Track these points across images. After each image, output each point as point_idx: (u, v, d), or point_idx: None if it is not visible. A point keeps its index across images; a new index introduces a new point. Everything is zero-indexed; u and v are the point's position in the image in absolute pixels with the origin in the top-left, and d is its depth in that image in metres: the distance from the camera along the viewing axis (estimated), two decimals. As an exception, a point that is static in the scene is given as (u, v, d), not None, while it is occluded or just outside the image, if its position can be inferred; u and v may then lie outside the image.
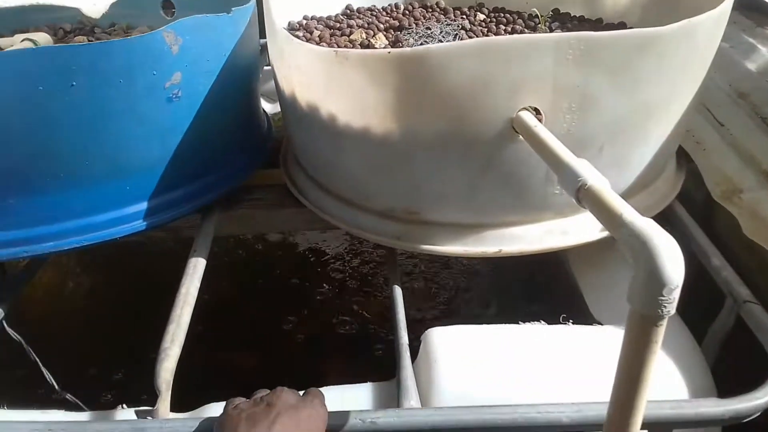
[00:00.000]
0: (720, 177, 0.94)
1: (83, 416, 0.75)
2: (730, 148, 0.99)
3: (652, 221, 0.46)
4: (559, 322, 0.78)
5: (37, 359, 0.85)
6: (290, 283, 1.56)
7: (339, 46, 1.03)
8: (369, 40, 1.05)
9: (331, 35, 1.09)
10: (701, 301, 0.78)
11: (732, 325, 0.77)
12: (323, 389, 0.63)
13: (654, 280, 0.42)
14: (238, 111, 1.03)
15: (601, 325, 0.80)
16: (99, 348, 1.31)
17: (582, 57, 0.70)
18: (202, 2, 1.12)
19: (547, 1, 1.19)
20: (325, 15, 1.20)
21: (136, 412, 0.67)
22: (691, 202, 0.97)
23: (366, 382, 0.78)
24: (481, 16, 1.18)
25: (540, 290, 1.30)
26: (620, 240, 0.47)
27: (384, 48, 1.04)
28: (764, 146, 0.95)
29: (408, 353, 0.75)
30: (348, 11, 1.23)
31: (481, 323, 0.78)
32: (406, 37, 1.05)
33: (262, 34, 1.01)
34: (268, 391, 0.59)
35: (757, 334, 0.72)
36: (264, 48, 1.09)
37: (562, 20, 1.14)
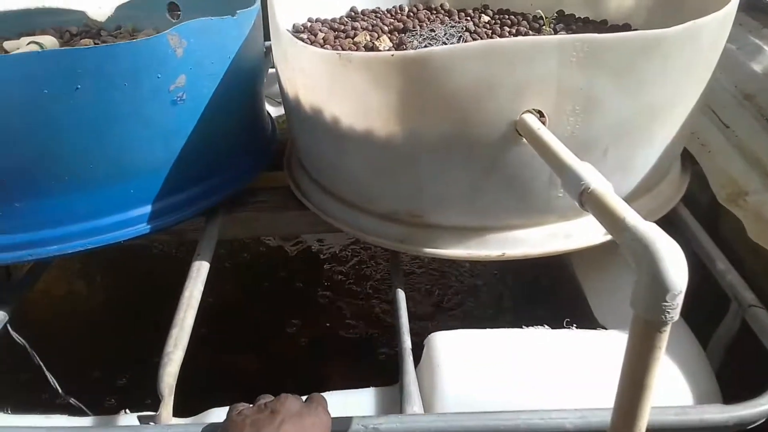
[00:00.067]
0: (725, 179, 0.93)
1: (86, 421, 0.75)
2: (735, 150, 0.98)
3: (655, 225, 0.45)
4: (562, 326, 0.78)
5: (41, 363, 0.86)
6: (293, 286, 1.56)
7: (343, 48, 1.03)
8: (373, 42, 1.05)
9: (336, 37, 1.09)
10: (706, 305, 0.77)
11: (737, 329, 0.76)
12: (326, 394, 0.63)
13: (657, 286, 0.42)
14: (243, 114, 1.03)
15: (606, 329, 0.80)
16: (103, 351, 1.31)
17: (586, 59, 0.70)
18: (208, 4, 1.13)
19: (552, 2, 1.19)
20: (329, 17, 1.20)
21: (139, 418, 0.67)
22: (696, 205, 0.96)
23: (369, 386, 0.77)
24: (486, 18, 1.18)
25: (544, 294, 1.30)
26: (623, 244, 0.47)
27: (388, 50, 1.04)
28: (770, 148, 0.94)
29: (411, 358, 0.75)
30: (352, 13, 1.23)
31: (485, 327, 0.77)
32: (410, 39, 1.05)
33: (267, 37, 1.01)
34: (272, 396, 0.59)
35: (762, 338, 0.72)
36: (269, 50, 1.09)
37: (567, 22, 1.14)
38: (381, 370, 1.24)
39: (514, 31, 1.10)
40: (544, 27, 1.10)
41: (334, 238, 1.68)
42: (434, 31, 1.07)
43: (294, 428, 0.54)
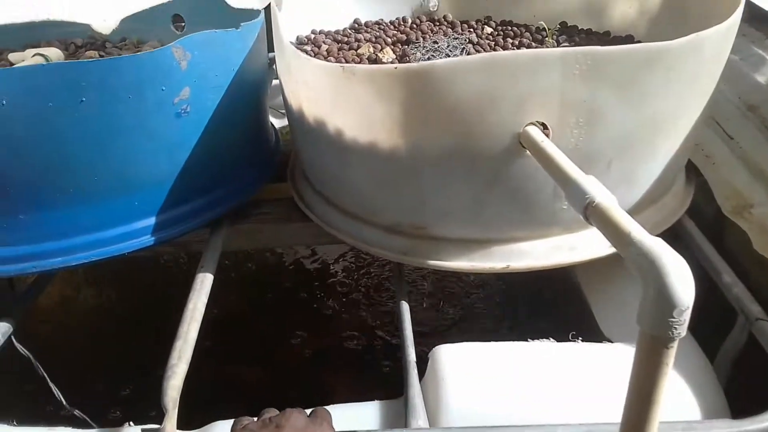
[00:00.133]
0: (730, 191, 0.93)
1: (89, 434, 0.75)
2: (739, 161, 0.98)
3: (660, 240, 0.45)
4: (568, 339, 0.77)
5: (45, 375, 0.85)
6: (298, 297, 1.56)
7: (347, 60, 1.03)
8: (376, 54, 1.06)
9: (339, 49, 1.09)
10: (712, 318, 0.77)
11: (744, 342, 0.76)
12: (330, 407, 0.63)
13: (664, 302, 0.41)
14: (247, 126, 1.03)
15: (611, 342, 0.80)
16: (107, 363, 1.31)
17: (589, 72, 0.70)
18: (212, 17, 1.14)
19: (555, 14, 1.19)
20: (333, 29, 1.21)
21: (143, 431, 0.67)
22: (701, 217, 0.96)
23: (373, 398, 0.77)
24: (489, 30, 1.18)
25: (549, 306, 1.29)
26: (628, 259, 0.47)
27: (391, 62, 1.04)
28: (775, 160, 0.94)
29: (415, 371, 0.75)
30: (356, 25, 1.24)
31: (489, 340, 0.77)
32: (413, 51, 1.05)
33: (271, 48, 1.01)
34: (276, 410, 0.58)
35: (770, 352, 0.71)
36: (272, 61, 1.10)
37: (570, 33, 1.14)
38: (385, 382, 1.23)
39: (517, 42, 1.10)
40: (547, 39, 1.10)
41: (337, 249, 1.68)
42: (437, 43, 1.07)
43: None
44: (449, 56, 1.02)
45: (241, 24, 0.92)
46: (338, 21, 1.23)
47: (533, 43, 1.10)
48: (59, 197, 0.83)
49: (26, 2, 1.11)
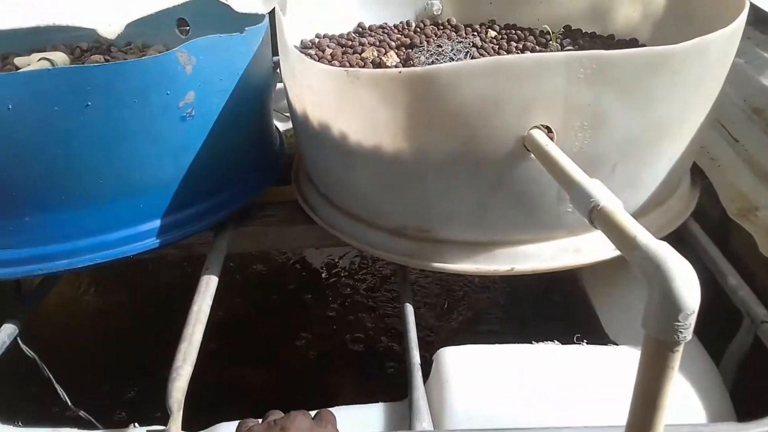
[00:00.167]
0: (735, 194, 0.93)
1: (95, 435, 0.75)
2: (745, 164, 0.98)
3: (666, 244, 0.45)
4: (573, 342, 0.77)
5: (51, 376, 0.86)
6: (302, 299, 1.56)
7: (351, 64, 1.04)
8: (380, 58, 1.06)
9: (343, 53, 1.10)
10: (718, 321, 0.77)
11: (749, 345, 0.76)
12: (335, 409, 0.63)
13: (669, 306, 0.41)
14: (251, 129, 1.04)
15: (617, 345, 0.79)
16: (112, 364, 1.31)
17: (594, 75, 0.70)
18: (216, 21, 1.14)
19: (559, 17, 1.19)
20: (337, 33, 1.21)
21: (148, 432, 0.67)
22: (707, 219, 0.96)
23: (378, 400, 0.77)
24: (492, 33, 1.18)
25: (554, 309, 1.29)
26: (633, 263, 0.47)
27: (395, 65, 1.04)
28: (780, 162, 0.94)
29: (420, 373, 0.75)
30: (360, 29, 1.24)
31: (494, 343, 0.77)
32: (417, 55, 1.06)
33: (275, 51, 1.02)
34: (281, 413, 0.59)
35: (776, 355, 0.71)
36: (277, 65, 1.10)
37: (574, 37, 1.14)
38: (390, 384, 1.23)
39: (520, 46, 1.10)
40: (551, 42, 1.10)
41: (342, 252, 1.68)
42: (441, 47, 1.07)
43: None
44: (453, 60, 1.03)
45: (246, 28, 0.92)
46: (342, 25, 1.23)
47: (537, 47, 1.10)
48: (64, 200, 0.83)
49: (32, 8, 1.12)
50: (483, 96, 0.72)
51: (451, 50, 1.06)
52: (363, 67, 1.04)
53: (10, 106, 0.75)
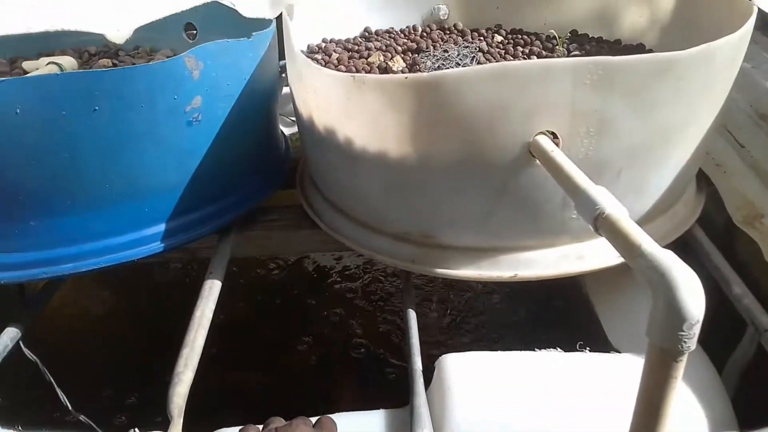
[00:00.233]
0: (741, 201, 0.92)
1: (95, 439, 0.76)
2: (751, 170, 0.97)
3: (671, 253, 0.45)
4: (576, 349, 0.77)
5: (52, 380, 0.86)
6: (305, 303, 1.56)
7: (357, 69, 1.04)
8: (386, 63, 1.06)
9: (350, 58, 1.10)
10: (721, 328, 0.76)
11: (753, 353, 0.75)
12: (336, 416, 0.63)
13: (674, 315, 0.41)
14: (257, 134, 1.04)
15: (619, 352, 0.79)
16: (114, 369, 1.31)
17: (600, 81, 0.70)
18: (224, 25, 1.15)
19: (565, 22, 1.19)
20: (343, 38, 1.22)
21: (147, 437, 0.67)
22: (712, 226, 0.95)
23: (379, 407, 0.77)
24: (499, 38, 1.18)
25: (557, 315, 1.29)
26: (638, 271, 0.47)
27: (401, 70, 1.05)
28: (787, 169, 0.93)
29: (421, 380, 0.75)
30: (366, 34, 1.24)
31: (497, 349, 0.77)
32: (423, 60, 1.06)
33: (282, 55, 1.02)
34: (282, 420, 0.59)
35: (780, 364, 0.71)
36: (283, 69, 1.10)
37: (580, 42, 1.14)
38: (391, 390, 1.23)
39: (527, 51, 1.10)
40: (557, 47, 1.10)
41: (346, 256, 1.68)
42: (447, 52, 1.07)
43: None
44: (459, 65, 1.03)
45: (253, 33, 0.93)
46: (349, 29, 1.24)
47: (543, 52, 1.09)
48: (70, 204, 0.83)
49: (41, 13, 1.12)
50: (489, 102, 0.72)
51: (458, 55, 1.06)
52: (369, 71, 1.04)
53: (18, 110, 0.75)
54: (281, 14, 1.01)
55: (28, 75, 1.04)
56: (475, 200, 0.79)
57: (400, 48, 1.14)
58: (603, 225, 0.54)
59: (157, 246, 0.90)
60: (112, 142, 0.82)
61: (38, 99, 0.76)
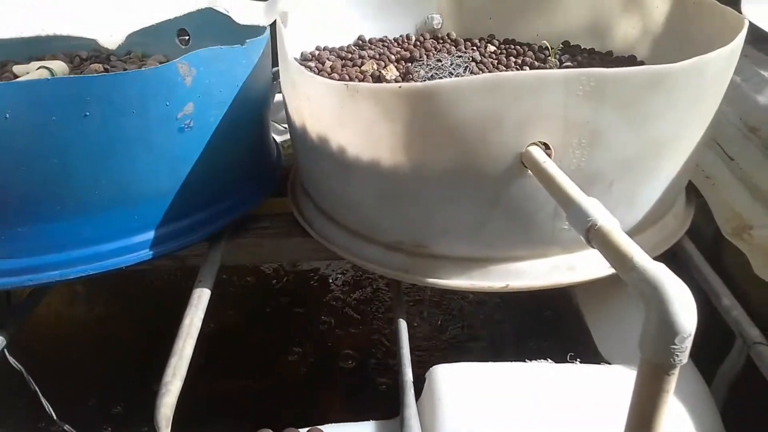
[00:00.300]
0: (730, 213, 0.93)
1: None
2: (740, 183, 0.98)
3: (663, 266, 0.45)
4: (566, 360, 0.77)
5: (37, 389, 0.85)
6: (294, 313, 1.55)
7: (350, 77, 1.04)
8: (380, 71, 1.06)
9: (343, 66, 1.10)
10: (710, 340, 0.76)
11: (742, 366, 0.75)
12: (326, 427, 0.62)
13: (666, 329, 0.41)
14: (249, 141, 1.04)
15: (610, 364, 0.79)
16: (100, 378, 1.30)
17: (592, 93, 0.70)
18: (217, 31, 1.14)
19: (558, 33, 1.20)
20: (337, 45, 1.22)
21: (136, 447, 0.66)
22: (700, 237, 0.96)
23: (369, 418, 0.76)
24: (492, 48, 1.19)
25: (548, 326, 1.29)
26: (630, 283, 0.47)
27: (395, 79, 1.05)
28: (775, 181, 0.94)
29: (412, 391, 0.74)
30: (360, 42, 1.24)
31: (488, 360, 0.77)
32: (416, 69, 1.06)
33: (275, 62, 1.02)
34: (271, 431, 0.58)
35: (768, 376, 0.71)
36: (276, 76, 1.10)
37: (572, 53, 1.14)
38: (381, 400, 1.23)
39: (519, 61, 1.11)
40: (549, 57, 1.11)
41: (337, 265, 1.68)
42: (441, 61, 1.08)
43: None
44: (452, 74, 1.03)
45: (247, 40, 0.92)
46: (342, 37, 1.24)
47: (536, 62, 1.10)
48: (59, 210, 0.82)
49: (34, 18, 1.12)
50: (482, 112, 0.72)
51: (451, 65, 1.06)
52: (362, 80, 1.04)
53: (8, 115, 0.75)
54: (275, 21, 1.01)
55: (18, 79, 1.04)
56: (468, 210, 0.79)
57: (393, 57, 1.14)
58: (595, 237, 0.54)
59: (146, 253, 0.89)
60: (103, 148, 0.81)
61: (28, 104, 0.76)
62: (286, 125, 1.35)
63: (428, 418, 0.71)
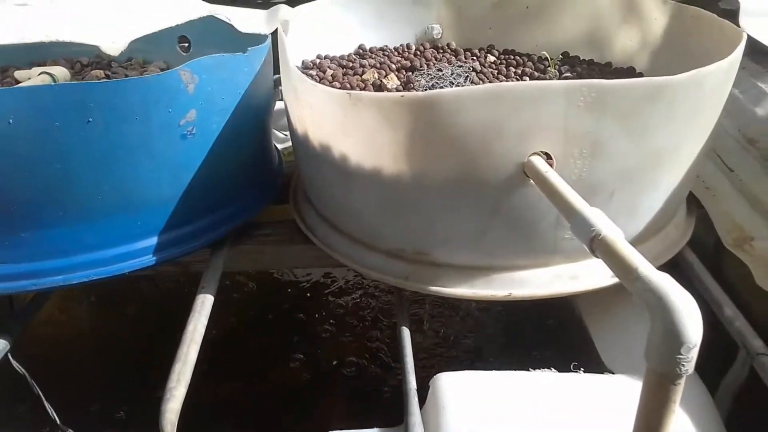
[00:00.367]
0: (731, 224, 0.93)
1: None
2: (740, 194, 0.99)
3: (668, 276, 0.45)
4: (570, 370, 0.77)
5: (41, 394, 0.85)
6: (297, 319, 1.55)
7: (351, 86, 1.04)
8: (381, 80, 1.07)
9: (344, 74, 1.11)
10: (713, 351, 0.77)
11: (745, 377, 0.76)
12: (330, 435, 0.62)
13: (671, 338, 0.42)
14: (251, 147, 1.04)
15: (613, 373, 0.79)
16: (103, 383, 1.30)
17: (593, 104, 0.71)
18: (218, 39, 1.15)
19: (557, 44, 1.21)
20: (338, 54, 1.22)
21: (139, 454, 0.66)
22: (702, 248, 0.96)
23: (372, 425, 0.76)
24: (492, 58, 1.20)
25: (551, 335, 1.29)
26: (635, 293, 0.47)
27: (395, 88, 1.05)
28: (774, 193, 0.95)
29: (416, 398, 0.74)
30: (360, 51, 1.25)
31: (491, 368, 0.77)
32: (417, 78, 1.06)
33: (276, 70, 1.02)
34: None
35: (772, 387, 0.71)
36: (277, 82, 1.11)
37: (572, 63, 1.15)
38: (383, 408, 1.22)
39: (519, 71, 1.11)
40: (549, 68, 1.12)
41: (339, 272, 1.68)
42: (442, 71, 1.08)
43: None
44: (453, 84, 1.04)
45: (249, 48, 0.93)
46: (343, 46, 1.24)
47: (536, 73, 1.11)
48: (62, 216, 0.82)
49: (36, 24, 1.12)
50: (484, 121, 0.72)
51: (451, 74, 1.07)
52: (363, 88, 1.04)
53: (11, 121, 0.75)
54: (276, 30, 1.01)
55: (20, 85, 1.04)
56: (469, 219, 0.80)
57: (394, 66, 1.15)
58: (599, 247, 0.55)
59: (149, 259, 0.89)
60: (106, 154, 0.81)
61: (32, 109, 0.76)
62: (286, 133, 1.35)
63: (432, 425, 0.71)
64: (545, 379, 0.75)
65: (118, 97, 0.79)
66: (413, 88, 1.03)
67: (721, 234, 0.92)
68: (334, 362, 1.38)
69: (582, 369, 0.76)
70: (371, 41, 1.27)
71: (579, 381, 0.75)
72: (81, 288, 0.89)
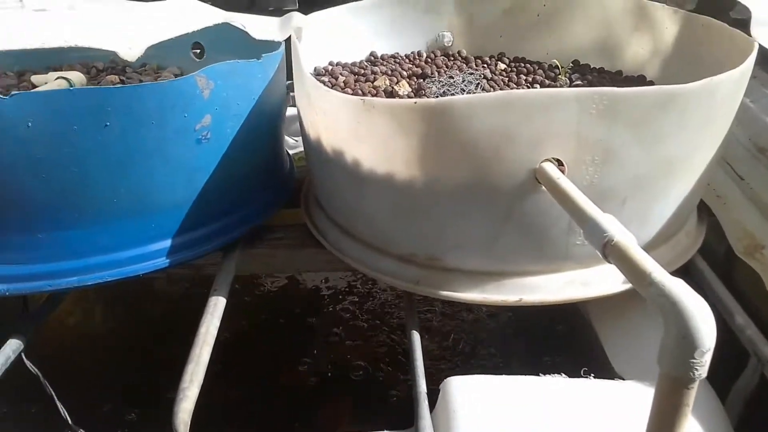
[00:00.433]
0: (742, 232, 0.93)
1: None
2: (750, 202, 0.99)
3: (681, 281, 0.46)
4: (580, 375, 0.77)
5: (53, 394, 0.85)
6: (306, 323, 1.55)
7: (363, 92, 1.05)
8: (392, 87, 1.08)
9: (356, 81, 1.11)
10: (723, 358, 0.76)
11: (756, 384, 0.76)
12: (342, 437, 0.63)
13: (686, 343, 0.42)
14: (264, 152, 1.05)
15: (623, 379, 0.79)
16: (115, 384, 1.31)
17: (605, 111, 0.71)
18: (232, 45, 1.16)
19: (567, 52, 1.21)
20: (350, 61, 1.23)
21: (153, 454, 0.66)
22: (712, 255, 0.96)
23: (382, 429, 0.76)
24: (502, 66, 1.20)
25: (560, 340, 1.29)
26: (648, 298, 0.47)
27: (407, 95, 1.06)
28: (785, 201, 0.94)
29: (426, 402, 0.75)
30: (372, 58, 1.26)
31: (501, 373, 0.77)
32: (429, 85, 1.07)
33: (289, 76, 1.03)
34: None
35: (783, 395, 0.71)
36: (289, 88, 1.12)
37: (582, 71, 1.16)
38: (392, 412, 1.22)
39: (530, 79, 1.12)
40: (559, 76, 1.12)
41: (349, 276, 1.68)
42: (453, 78, 1.09)
43: None
44: (464, 91, 1.04)
45: (263, 55, 0.94)
46: (355, 53, 1.25)
47: (546, 80, 1.11)
48: (78, 218, 0.84)
49: (55, 30, 1.14)
50: (495, 128, 0.73)
51: (463, 81, 1.08)
52: (375, 95, 1.05)
53: (30, 124, 0.76)
54: (289, 37, 1.02)
55: (38, 89, 1.05)
56: (481, 224, 0.80)
57: (405, 73, 1.16)
58: (612, 252, 0.55)
59: (162, 261, 0.90)
60: (122, 158, 0.82)
61: (50, 113, 0.77)
62: (297, 138, 1.36)
63: (443, 429, 0.71)
64: (555, 384, 0.75)
65: (135, 101, 0.80)
66: (424, 95, 1.04)
67: (732, 242, 0.92)
68: (343, 366, 1.38)
69: (592, 374, 0.76)
70: (383, 48, 1.28)
71: (589, 387, 0.75)
72: (95, 289, 0.90)
